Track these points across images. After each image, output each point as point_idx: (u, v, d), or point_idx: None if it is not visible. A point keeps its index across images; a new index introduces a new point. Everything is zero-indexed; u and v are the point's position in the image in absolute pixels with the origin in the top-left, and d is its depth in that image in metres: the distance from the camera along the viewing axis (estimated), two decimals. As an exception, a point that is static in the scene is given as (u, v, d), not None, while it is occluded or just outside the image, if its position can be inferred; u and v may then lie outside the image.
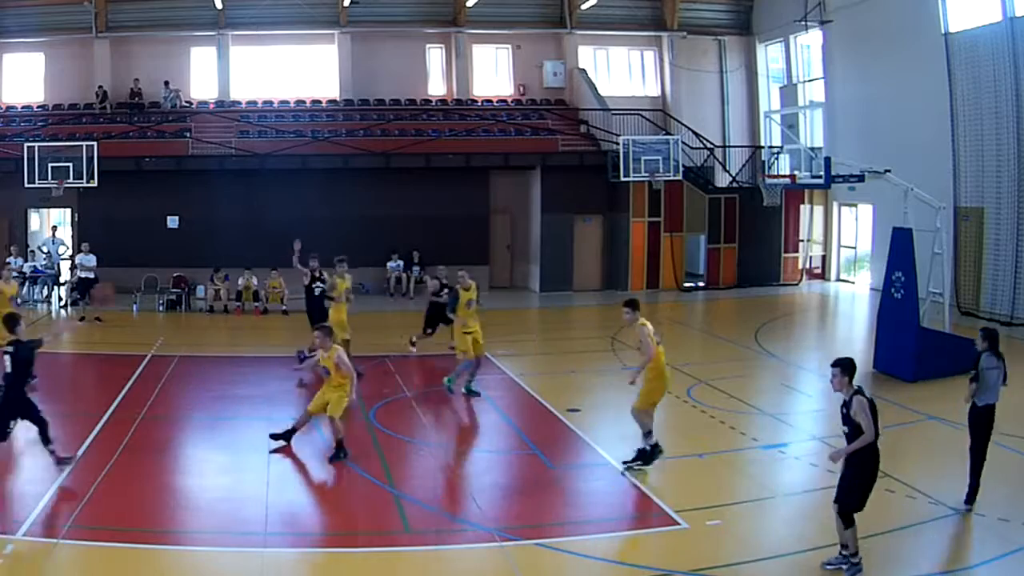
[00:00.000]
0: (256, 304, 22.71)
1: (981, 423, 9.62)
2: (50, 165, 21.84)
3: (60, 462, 10.43)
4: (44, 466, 10.75)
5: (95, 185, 22.09)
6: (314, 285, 15.97)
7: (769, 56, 30.80)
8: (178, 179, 24.76)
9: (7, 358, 10.11)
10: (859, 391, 8.06)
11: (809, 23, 26.19)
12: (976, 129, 20.83)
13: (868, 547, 8.43)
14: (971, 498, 9.51)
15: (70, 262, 23.57)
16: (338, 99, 28.17)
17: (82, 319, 20.62)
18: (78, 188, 22.58)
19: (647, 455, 10.68)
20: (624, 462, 10.78)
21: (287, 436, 11.55)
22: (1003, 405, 13.58)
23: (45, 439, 10.38)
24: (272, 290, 23.00)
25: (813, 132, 26.95)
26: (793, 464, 11.16)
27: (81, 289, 21.18)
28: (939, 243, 16.37)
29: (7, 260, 20.94)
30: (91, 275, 21.07)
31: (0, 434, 10.21)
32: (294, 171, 24.83)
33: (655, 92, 30.24)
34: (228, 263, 23.03)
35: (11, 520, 8.85)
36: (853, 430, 7.99)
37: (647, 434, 10.67)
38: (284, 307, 22.56)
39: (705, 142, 27.28)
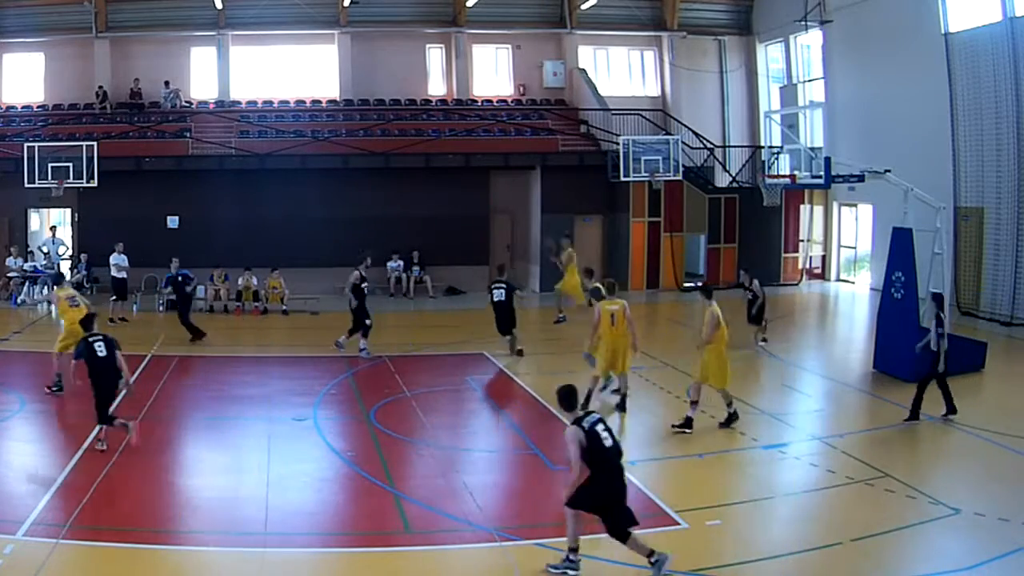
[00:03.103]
0: (256, 304, 22.69)
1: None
2: (50, 165, 21.84)
3: None
4: (44, 466, 10.77)
5: (95, 185, 22.08)
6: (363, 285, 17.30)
7: (769, 56, 30.81)
8: (178, 179, 24.77)
9: None
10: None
11: (809, 23, 26.19)
12: (976, 129, 20.83)
13: (868, 547, 8.44)
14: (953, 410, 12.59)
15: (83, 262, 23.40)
16: (338, 99, 28.18)
17: (111, 320, 20.54)
18: (78, 188, 22.58)
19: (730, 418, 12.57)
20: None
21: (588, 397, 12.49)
22: (1002, 406, 13.60)
23: None
24: (272, 290, 22.98)
25: (813, 132, 26.95)
26: (793, 464, 11.16)
27: (115, 289, 21.20)
28: (939, 243, 16.34)
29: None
30: (123, 275, 21.08)
31: None
32: (294, 171, 24.84)
33: (655, 92, 30.25)
34: (228, 263, 23.03)
35: (11, 520, 8.84)
36: None
37: (728, 403, 12.64)
38: (284, 307, 22.54)
39: (705, 142, 27.27)
